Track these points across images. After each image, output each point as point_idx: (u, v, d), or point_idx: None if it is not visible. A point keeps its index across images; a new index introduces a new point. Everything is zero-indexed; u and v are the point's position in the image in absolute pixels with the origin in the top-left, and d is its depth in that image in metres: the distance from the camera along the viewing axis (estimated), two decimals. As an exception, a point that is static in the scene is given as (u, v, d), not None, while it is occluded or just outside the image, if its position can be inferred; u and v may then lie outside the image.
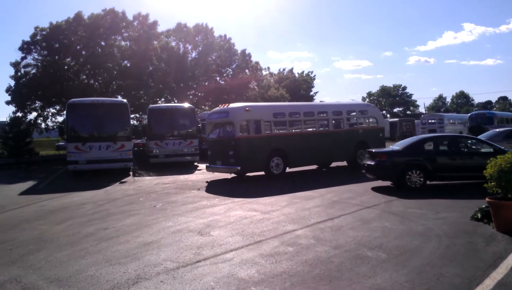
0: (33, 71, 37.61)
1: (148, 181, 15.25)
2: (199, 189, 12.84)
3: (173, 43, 41.19)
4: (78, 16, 36.68)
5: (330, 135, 16.51)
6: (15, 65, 37.44)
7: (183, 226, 7.85)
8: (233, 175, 15.22)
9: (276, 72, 60.43)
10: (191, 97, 40.27)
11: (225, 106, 15.40)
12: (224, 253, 6.09)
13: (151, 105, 24.97)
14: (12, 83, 36.58)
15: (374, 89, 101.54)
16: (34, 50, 37.76)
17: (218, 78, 44.60)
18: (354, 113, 17.85)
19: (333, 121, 16.83)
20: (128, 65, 37.77)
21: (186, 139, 20.88)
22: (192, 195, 11.74)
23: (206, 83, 42.96)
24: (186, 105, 23.43)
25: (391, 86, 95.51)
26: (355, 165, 16.15)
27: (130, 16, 38.54)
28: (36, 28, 37.47)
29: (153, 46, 37.43)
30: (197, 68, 41.43)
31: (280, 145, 14.91)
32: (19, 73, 37.21)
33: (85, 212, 9.76)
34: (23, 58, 37.55)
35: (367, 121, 18.17)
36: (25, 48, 37.13)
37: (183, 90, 38.86)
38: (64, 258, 6.07)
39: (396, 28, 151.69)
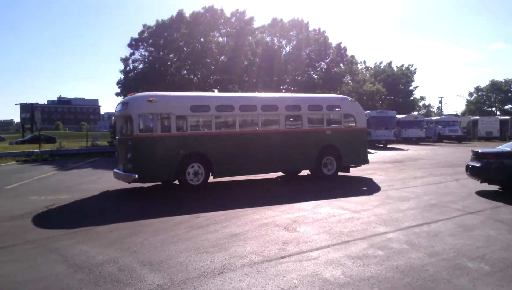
0: (140, 66, 40.65)
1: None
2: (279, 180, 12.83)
3: (268, 38, 41.63)
4: (180, 14, 38.75)
5: (279, 136, 12.83)
6: (125, 60, 40.74)
7: (270, 220, 7.86)
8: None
9: (372, 65, 58.19)
10: (283, 91, 40.36)
11: (130, 96, 12.16)
12: (310, 251, 5.96)
13: None
14: (122, 76, 39.95)
15: (483, 83, 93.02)
16: (141, 46, 40.74)
17: (311, 72, 44.21)
18: (319, 110, 13.70)
19: (286, 119, 13.09)
20: (225, 60, 39.06)
21: None
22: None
23: (299, 78, 42.81)
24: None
25: (502, 80, 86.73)
26: (320, 175, 13.38)
27: (227, 13, 39.75)
28: (144, 26, 40.36)
29: (248, 42, 38.21)
30: (290, 62, 41.45)
31: (200, 148, 11.60)
32: (127, 68, 40.46)
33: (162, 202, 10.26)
34: (131, 54, 40.73)
35: (341, 119, 14.01)
36: (134, 44, 40.20)
37: (276, 85, 39.11)
38: (158, 243, 6.42)
39: (509, 18, 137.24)
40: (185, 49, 39.43)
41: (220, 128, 12.30)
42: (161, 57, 39.38)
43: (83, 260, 5.69)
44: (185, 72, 40.75)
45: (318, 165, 13.32)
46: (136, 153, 11.02)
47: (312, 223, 7.58)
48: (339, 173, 13.79)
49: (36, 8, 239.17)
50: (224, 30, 40.11)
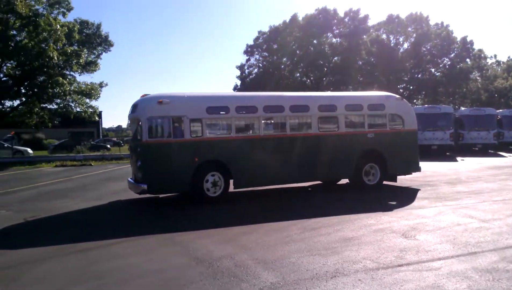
0: (255, 71, 42.14)
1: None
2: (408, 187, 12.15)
3: (383, 36, 40.02)
4: (294, 18, 39.26)
5: (312, 141, 11.27)
6: (241, 67, 42.64)
7: (385, 226, 7.52)
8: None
9: (505, 60, 52.23)
10: (401, 90, 38.39)
11: (141, 97, 10.82)
12: (430, 260, 5.56)
13: None
14: (239, 82, 41.82)
15: None
16: (256, 52, 42.23)
17: (432, 70, 41.33)
18: (359, 110, 11.87)
19: (319, 121, 11.43)
20: (338, 61, 38.51)
21: None
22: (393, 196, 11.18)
23: (419, 76, 40.30)
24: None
25: None
26: (360, 185, 11.76)
27: (341, 13, 39.16)
28: (258, 32, 41.78)
29: (362, 41, 37.18)
30: (408, 60, 39.26)
31: (217, 155, 10.31)
32: (243, 74, 42.22)
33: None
34: (247, 60, 42.46)
35: (386, 121, 12.06)
36: (249, 51, 41.84)
37: (392, 84, 37.34)
38: (271, 243, 6.57)
39: None
40: (298, 52, 39.83)
41: (242, 132, 11.02)
42: (274, 61, 40.34)
43: (203, 253, 6.08)
44: (298, 74, 41.13)
45: (358, 173, 11.65)
46: (145, 161, 9.96)
47: (433, 231, 7.05)
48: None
49: (151, 20, 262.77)
50: (337, 31, 39.65)
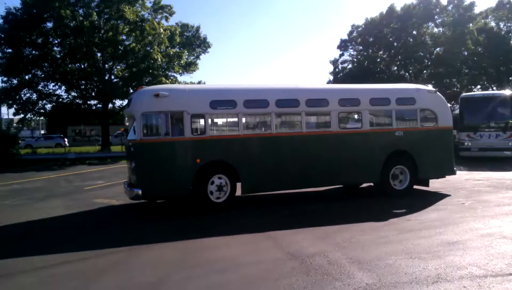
0: (349, 66, 41.14)
1: (458, 175, 14.17)
2: (519, 190, 10.96)
3: (492, 24, 36.48)
4: (391, 9, 37.54)
5: (331, 139, 9.98)
6: (334, 62, 41.92)
7: (495, 230, 6.87)
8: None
9: None
10: (514, 83, 34.74)
11: (140, 89, 9.73)
12: (550, 271, 4.96)
13: (463, 94, 22.98)
14: (331, 78, 41.19)
15: None
16: (350, 47, 41.22)
17: (553, 59, 36.75)
18: (385, 104, 10.40)
19: (340, 117, 10.14)
20: (440, 52, 36.04)
21: (505, 131, 18.20)
22: (509, 196, 10.14)
23: (537, 65, 36.10)
24: (507, 92, 20.37)
25: None
26: (386, 190, 10.34)
27: (443, 1, 36.60)
28: (352, 26, 40.72)
29: (468, 30, 34.28)
30: (523, 49, 35.36)
31: (222, 156, 9.21)
32: (337, 69, 41.47)
33: (384, 201, 9.96)
34: (340, 55, 41.63)
35: (416, 117, 10.56)
36: (343, 45, 40.98)
37: (504, 76, 33.97)
38: (366, 242, 6.37)
39: None
40: (395, 44, 38.06)
41: (251, 129, 9.85)
42: (370, 55, 39.03)
43: (296, 249, 6.09)
44: (395, 68, 39.32)
45: (385, 176, 10.27)
46: (140, 163, 8.90)
47: (553, 239, 6.29)
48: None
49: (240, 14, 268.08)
50: (439, 20, 37.06)
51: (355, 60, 40.46)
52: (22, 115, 29.47)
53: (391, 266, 5.26)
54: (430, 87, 11.64)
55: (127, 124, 10.32)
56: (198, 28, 36.22)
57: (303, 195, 10.99)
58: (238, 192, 9.39)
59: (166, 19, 31.54)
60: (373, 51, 39.35)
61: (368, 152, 10.15)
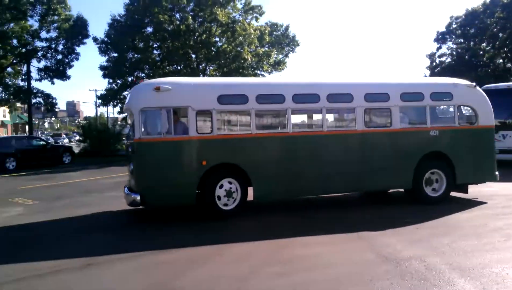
0: (448, 60, 38.52)
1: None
2: None
3: None
4: (496, -4, 34.42)
5: (356, 140, 8.95)
6: (431, 56, 39.50)
7: None
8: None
9: None
10: None
11: (140, 82, 8.95)
12: None
13: (486, 85, 19.39)
14: (428, 73, 38.87)
15: None
16: (448, 39, 38.56)
17: None
18: (418, 100, 9.19)
19: (366, 114, 9.01)
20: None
21: None
22: None
23: None
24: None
25: None
26: (419, 197, 9.24)
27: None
28: (451, 17, 38.08)
29: None
30: None
31: (232, 157, 8.27)
32: (433, 63, 39.04)
33: (495, 205, 9.13)
34: (438, 49, 39.12)
35: (454, 114, 9.34)
36: (440, 38, 38.48)
37: None
38: (468, 248, 5.92)
39: None
40: (500, 35, 34.81)
41: (264, 128, 8.89)
42: (471, 48, 36.14)
43: (390, 252, 5.86)
44: (500, 61, 36.01)
45: (418, 182, 9.12)
46: (138, 165, 8.07)
47: None
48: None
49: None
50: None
51: (455, 53, 37.74)
52: (125, 114, 32.08)
53: (497, 275, 4.84)
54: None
55: (129, 121, 9.55)
56: (287, 27, 36.39)
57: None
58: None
59: (256, 19, 32.16)
60: (475, 43, 36.41)
61: (399, 154, 9.07)
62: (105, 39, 29.30)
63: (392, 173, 9.07)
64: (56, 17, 28.84)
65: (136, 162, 8.09)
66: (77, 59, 30.52)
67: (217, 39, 30.70)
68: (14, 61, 30.25)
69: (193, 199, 8.04)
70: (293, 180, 8.56)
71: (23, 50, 28.92)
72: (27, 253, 6.45)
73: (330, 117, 9.65)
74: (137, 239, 7.04)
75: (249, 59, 28.90)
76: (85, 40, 30.17)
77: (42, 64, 30.35)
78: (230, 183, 8.27)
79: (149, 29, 29.58)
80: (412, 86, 9.69)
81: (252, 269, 5.36)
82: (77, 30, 29.38)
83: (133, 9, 28.45)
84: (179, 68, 30.09)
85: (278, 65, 34.70)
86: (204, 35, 29.26)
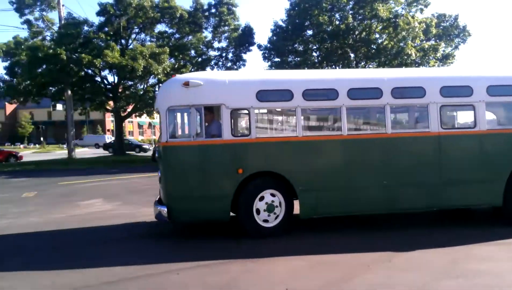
0: None
1: None
2: None
3: None
4: None
5: (430, 144, 7.23)
6: None
7: None
8: None
9: None
10: None
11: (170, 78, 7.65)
12: None
13: None
14: None
15: None
16: None
17: None
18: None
19: (442, 113, 7.27)
20: None
21: None
22: None
23: None
24: None
25: None
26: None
27: None
28: None
29: None
30: None
31: (274, 165, 6.99)
32: None
33: None
34: None
35: None
36: None
37: None
38: None
39: None
40: None
41: (312, 130, 7.69)
42: None
43: None
44: None
45: (508, 194, 7.28)
46: (164, 173, 7.15)
47: None
48: None
49: None
50: None
51: None
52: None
53: None
54: None
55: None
56: (456, 17, 33.07)
57: None
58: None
59: (421, 11, 30.09)
60: None
61: (485, 163, 7.38)
62: (268, 45, 30.98)
63: (476, 187, 7.38)
64: (226, 28, 31.60)
65: (163, 169, 7.22)
66: (243, 65, 33.02)
67: (378, 35, 29.69)
68: (192, 70, 34.29)
69: (227, 215, 6.98)
70: (349, 193, 7.25)
71: (199, 59, 32.48)
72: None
73: (395, 117, 8.28)
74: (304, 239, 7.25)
75: (413, 54, 27.16)
76: (251, 48, 32.38)
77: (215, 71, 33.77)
78: (273, 195, 7.09)
79: (309, 32, 30.23)
80: (502, 78, 7.85)
81: (427, 280, 5.02)
82: (244, 39, 31.71)
83: (294, 14, 29.43)
84: (337, 68, 30.05)
85: (446, 59, 31.81)
86: (364, 33, 28.61)
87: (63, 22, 28.56)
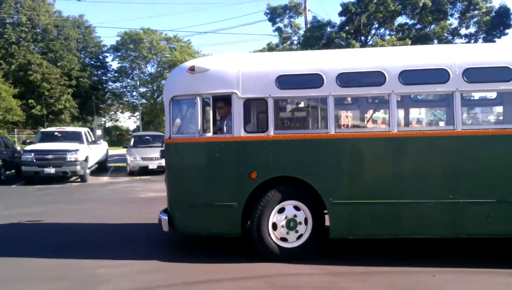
0: None
1: None
2: None
3: None
4: None
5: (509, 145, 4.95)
6: None
7: None
8: None
9: None
10: None
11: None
12: None
13: None
14: None
15: None
16: None
17: None
18: None
19: None
20: None
21: None
22: None
23: None
24: None
25: None
26: None
27: None
28: None
29: None
30: None
31: (296, 169, 5.25)
32: None
33: None
34: None
35: None
36: None
37: None
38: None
39: None
40: None
41: (349, 125, 6.61)
42: None
43: None
44: None
45: None
46: (167, 175, 5.88)
47: None
48: None
49: None
50: None
51: None
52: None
53: None
54: None
55: None
56: None
57: None
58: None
59: None
60: None
61: None
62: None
63: None
64: (476, 12, 28.45)
65: (166, 170, 6.14)
66: (495, 51, 29.08)
67: None
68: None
69: (238, 229, 5.58)
70: (398, 210, 5.35)
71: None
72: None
73: (467, 109, 6.52)
74: None
75: None
76: (506, 31, 28.32)
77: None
78: (297, 209, 5.51)
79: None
80: None
81: None
82: (498, 21, 27.98)
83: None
84: None
85: None
86: None
87: (308, 26, 30.94)
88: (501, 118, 6.40)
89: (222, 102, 5.78)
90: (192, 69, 5.58)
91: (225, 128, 5.75)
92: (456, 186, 5.27)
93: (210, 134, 5.60)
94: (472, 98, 6.51)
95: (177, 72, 6.05)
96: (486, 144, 5.27)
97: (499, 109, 6.45)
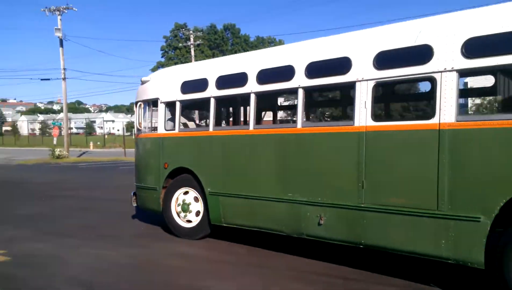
0: None
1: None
2: None
3: None
4: None
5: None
6: None
7: None
8: None
9: None
10: None
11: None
12: None
13: None
14: None
15: None
16: None
17: None
18: None
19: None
20: None
21: None
22: None
23: None
24: None
25: None
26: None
27: None
28: None
29: None
30: None
31: (188, 161, 6.51)
32: None
33: None
34: None
35: None
36: None
37: None
38: None
39: None
40: None
41: (226, 123, 7.89)
42: None
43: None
44: None
45: None
46: (135, 162, 7.91)
47: None
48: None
49: None
50: None
51: None
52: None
53: None
54: None
55: None
56: None
57: None
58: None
59: None
60: None
61: None
62: None
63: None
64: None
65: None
66: None
67: None
68: None
69: (160, 208, 7.06)
70: (253, 203, 5.79)
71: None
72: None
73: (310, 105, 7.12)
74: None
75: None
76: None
77: None
78: (186, 193, 6.74)
79: None
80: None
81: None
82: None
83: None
84: None
85: None
86: None
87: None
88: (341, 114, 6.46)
89: (153, 105, 7.29)
90: (141, 81, 7.39)
91: (158, 126, 7.21)
92: (294, 184, 5.30)
93: (146, 131, 7.41)
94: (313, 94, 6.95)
95: (141, 82, 7.56)
96: (320, 143, 5.10)
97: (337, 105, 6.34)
